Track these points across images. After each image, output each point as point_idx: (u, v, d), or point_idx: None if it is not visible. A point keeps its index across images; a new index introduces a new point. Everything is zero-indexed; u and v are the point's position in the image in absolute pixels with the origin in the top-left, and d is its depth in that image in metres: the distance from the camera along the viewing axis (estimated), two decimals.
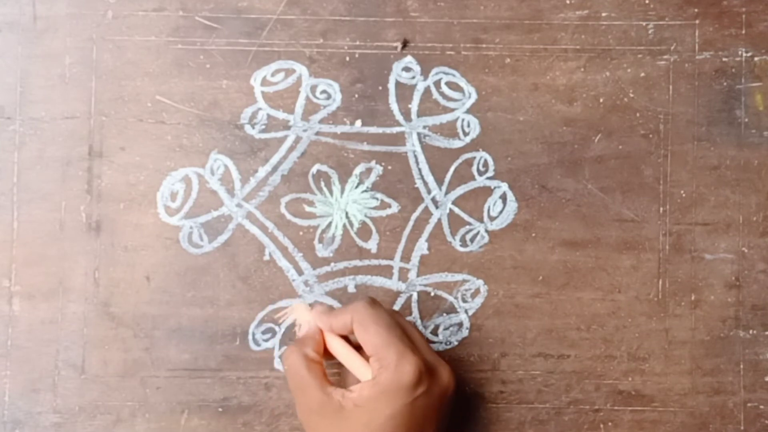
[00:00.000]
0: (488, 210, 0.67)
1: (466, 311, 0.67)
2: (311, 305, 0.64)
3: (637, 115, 0.67)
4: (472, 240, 0.67)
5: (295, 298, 0.67)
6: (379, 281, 0.67)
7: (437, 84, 0.67)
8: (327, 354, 0.62)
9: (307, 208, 0.67)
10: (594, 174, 0.67)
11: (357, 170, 0.67)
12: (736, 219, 0.67)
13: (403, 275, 0.67)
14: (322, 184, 0.67)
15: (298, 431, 0.66)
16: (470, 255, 0.67)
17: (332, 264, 0.67)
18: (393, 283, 0.67)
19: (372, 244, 0.67)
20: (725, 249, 0.67)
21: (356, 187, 0.67)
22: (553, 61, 0.67)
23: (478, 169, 0.67)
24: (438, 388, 0.58)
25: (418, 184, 0.67)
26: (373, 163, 0.67)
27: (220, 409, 0.66)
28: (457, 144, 0.67)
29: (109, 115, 0.67)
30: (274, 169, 0.67)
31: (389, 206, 0.67)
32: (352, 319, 0.59)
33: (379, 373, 0.58)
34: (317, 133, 0.67)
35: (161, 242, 0.66)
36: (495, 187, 0.67)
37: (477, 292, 0.67)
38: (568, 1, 0.68)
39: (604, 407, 0.67)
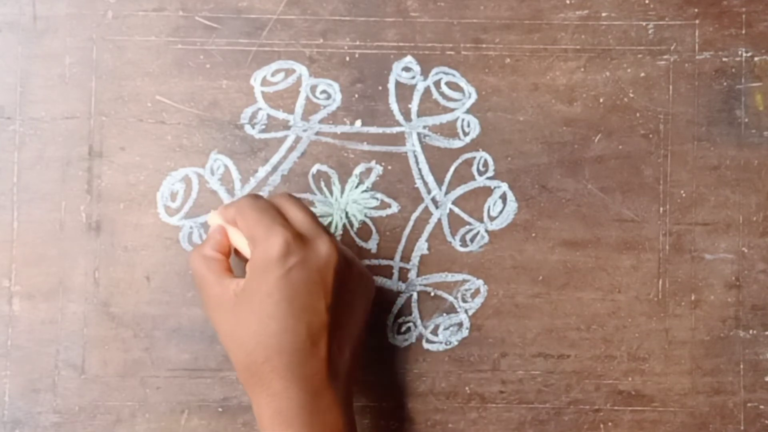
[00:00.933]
0: (488, 210, 0.67)
1: (466, 311, 0.67)
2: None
3: (637, 115, 0.67)
4: (472, 240, 0.67)
5: None
6: (379, 281, 0.67)
7: (437, 84, 0.67)
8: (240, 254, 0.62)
9: None
10: (594, 174, 0.67)
11: (357, 170, 0.67)
12: (736, 219, 0.67)
13: (403, 275, 0.67)
14: (322, 184, 0.67)
15: None
16: (470, 255, 0.67)
17: None
18: (393, 283, 0.67)
19: (372, 244, 0.67)
20: (725, 249, 0.67)
21: (356, 187, 0.67)
22: (553, 61, 0.67)
23: (478, 169, 0.67)
24: (315, 259, 0.57)
25: (418, 184, 0.67)
26: (373, 163, 0.67)
27: (220, 409, 0.66)
28: (457, 144, 0.67)
29: (109, 115, 0.67)
30: (274, 169, 0.67)
31: (389, 206, 0.67)
32: (235, 209, 0.60)
33: (252, 252, 0.58)
34: (317, 133, 0.67)
35: (161, 242, 0.66)
36: (495, 187, 0.67)
37: (477, 292, 0.67)
38: (568, 1, 0.68)
39: (604, 407, 0.67)
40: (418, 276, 0.67)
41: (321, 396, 0.57)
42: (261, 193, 0.66)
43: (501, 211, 0.67)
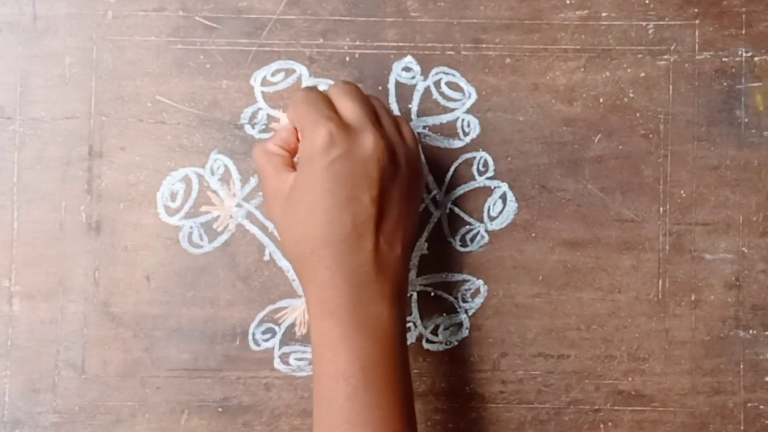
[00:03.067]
0: (488, 210, 0.67)
1: (466, 311, 0.67)
2: None
3: (637, 115, 0.67)
4: (472, 240, 0.67)
5: (295, 298, 0.67)
6: None
7: (437, 84, 0.67)
8: None
9: None
10: (594, 174, 0.67)
11: None
12: (736, 219, 0.67)
13: None
14: None
15: (298, 431, 0.66)
16: (470, 255, 0.67)
17: None
18: None
19: None
20: (725, 249, 0.67)
21: None
22: (553, 61, 0.67)
23: (478, 169, 0.67)
24: (359, 150, 0.57)
25: None
26: None
27: (220, 409, 0.66)
28: (457, 144, 0.67)
29: (109, 115, 0.67)
30: None
31: None
32: (291, 104, 0.60)
33: (300, 145, 0.59)
34: None
35: (161, 242, 0.66)
36: (495, 187, 0.67)
37: (477, 292, 0.67)
38: (568, 1, 0.68)
39: (604, 407, 0.67)
40: (418, 276, 0.67)
41: (366, 288, 0.57)
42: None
43: (501, 211, 0.67)
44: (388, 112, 0.62)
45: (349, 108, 0.59)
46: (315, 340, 0.58)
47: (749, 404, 0.67)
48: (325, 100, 0.59)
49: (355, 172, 0.57)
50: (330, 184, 0.57)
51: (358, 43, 0.67)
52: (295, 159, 0.61)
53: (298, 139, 0.61)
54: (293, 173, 0.59)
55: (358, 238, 0.57)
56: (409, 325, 0.67)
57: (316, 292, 0.58)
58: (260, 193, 0.67)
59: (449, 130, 0.67)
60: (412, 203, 0.61)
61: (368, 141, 0.58)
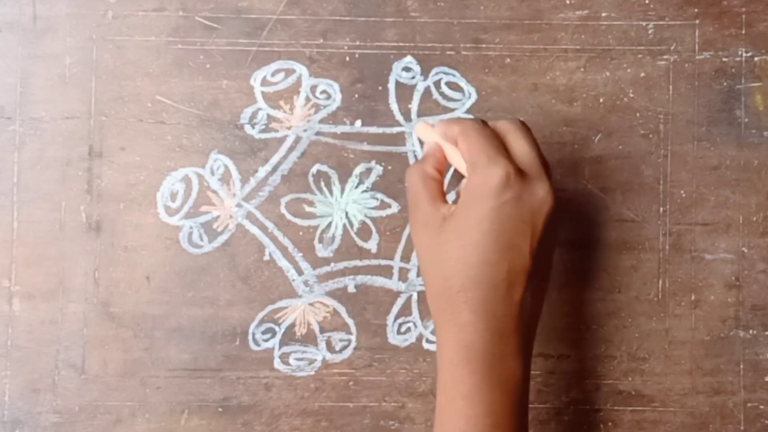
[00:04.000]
0: None
1: None
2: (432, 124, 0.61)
3: (637, 115, 0.67)
4: None
5: (295, 298, 0.67)
6: (379, 281, 0.67)
7: (437, 84, 0.67)
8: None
9: (307, 208, 0.67)
10: (594, 174, 0.67)
11: (357, 170, 0.67)
12: (736, 219, 0.67)
13: (403, 275, 0.67)
14: (322, 184, 0.67)
15: (298, 431, 0.66)
16: None
17: (332, 264, 0.67)
18: (393, 283, 0.67)
19: (372, 244, 0.67)
20: (725, 249, 0.67)
21: (356, 187, 0.67)
22: (553, 61, 0.67)
23: None
24: (530, 198, 0.55)
25: None
26: (373, 163, 0.67)
27: (220, 409, 0.66)
28: None
29: (109, 115, 0.67)
30: (274, 169, 0.67)
31: (389, 206, 0.67)
32: (459, 129, 0.58)
33: (469, 177, 0.56)
34: (317, 133, 0.67)
35: (161, 242, 0.67)
36: None
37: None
38: (568, 1, 0.68)
39: (604, 407, 0.67)
40: (418, 276, 0.67)
41: (507, 340, 0.55)
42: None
43: None
44: (548, 162, 0.60)
45: (525, 152, 0.57)
46: (446, 384, 0.56)
47: (749, 404, 0.67)
48: (499, 138, 0.57)
49: (521, 219, 0.55)
50: (495, 226, 0.55)
51: (358, 43, 0.67)
52: (455, 188, 0.59)
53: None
54: (447, 204, 0.57)
55: (509, 286, 0.55)
56: (409, 325, 0.67)
57: (457, 334, 0.55)
58: (260, 193, 0.67)
59: None
60: (552, 262, 0.59)
61: (541, 191, 0.56)
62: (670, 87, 0.67)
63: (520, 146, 0.57)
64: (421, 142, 0.66)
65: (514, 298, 0.55)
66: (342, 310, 0.67)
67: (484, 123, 0.58)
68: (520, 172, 0.56)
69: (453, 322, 0.55)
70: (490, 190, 0.55)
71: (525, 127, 0.58)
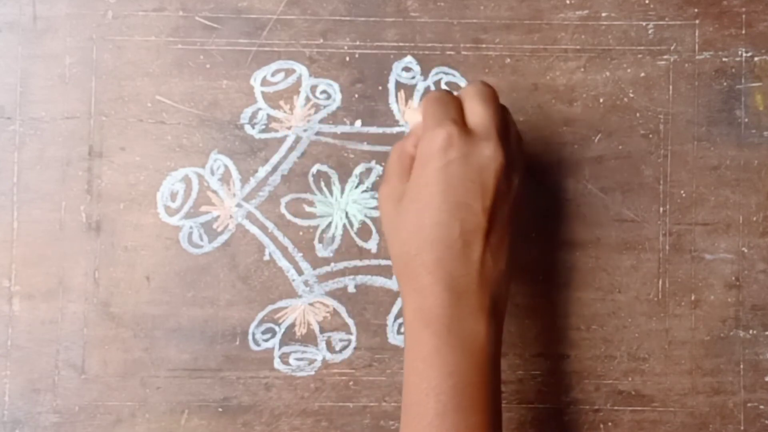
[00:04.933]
0: None
1: None
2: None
3: (637, 115, 0.67)
4: None
5: (295, 298, 0.67)
6: (379, 281, 0.67)
7: (437, 84, 0.67)
8: None
9: (307, 208, 0.67)
10: (594, 174, 0.67)
11: (357, 170, 0.67)
12: (736, 219, 0.67)
13: None
14: (322, 184, 0.67)
15: (298, 431, 0.66)
16: None
17: (332, 264, 0.67)
18: (393, 283, 0.67)
19: (372, 244, 0.67)
20: (725, 249, 0.67)
21: (356, 187, 0.67)
22: (553, 61, 0.67)
23: None
24: (477, 158, 0.56)
25: None
26: (373, 163, 0.67)
27: (220, 409, 0.66)
28: None
29: (109, 115, 0.67)
30: (274, 169, 0.67)
31: None
32: (423, 102, 0.59)
33: (420, 143, 0.57)
34: (317, 133, 0.67)
35: (161, 242, 0.66)
36: None
37: None
38: (568, 1, 0.68)
39: (604, 407, 0.67)
40: None
41: (466, 300, 0.55)
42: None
43: None
44: (514, 126, 0.60)
45: (477, 113, 0.57)
46: (408, 348, 0.56)
47: (749, 404, 0.67)
48: (455, 102, 0.58)
49: (467, 178, 0.56)
50: (442, 186, 0.55)
51: (358, 43, 0.67)
52: None
53: None
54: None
55: (464, 246, 0.55)
56: None
57: (415, 298, 0.56)
58: (260, 193, 0.67)
59: None
60: (517, 223, 0.59)
61: (488, 150, 0.56)
62: (670, 87, 0.67)
63: (473, 108, 0.58)
64: None
65: (472, 258, 0.55)
66: (342, 310, 0.67)
67: (445, 91, 0.59)
68: (467, 132, 0.56)
69: (412, 287, 0.56)
70: (435, 151, 0.56)
71: (486, 90, 0.59)
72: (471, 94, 0.58)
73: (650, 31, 0.67)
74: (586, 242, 0.67)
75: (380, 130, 0.67)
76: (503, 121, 0.58)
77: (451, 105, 0.58)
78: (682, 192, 0.67)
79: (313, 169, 0.67)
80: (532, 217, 0.67)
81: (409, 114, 0.61)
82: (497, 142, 0.56)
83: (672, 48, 0.67)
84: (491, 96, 0.58)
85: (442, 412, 0.54)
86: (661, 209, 0.67)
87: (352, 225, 0.67)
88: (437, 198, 0.56)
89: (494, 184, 0.56)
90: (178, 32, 0.67)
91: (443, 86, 0.67)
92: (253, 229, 0.67)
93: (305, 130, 0.67)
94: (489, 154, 0.56)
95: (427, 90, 0.67)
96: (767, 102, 0.67)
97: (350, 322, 0.67)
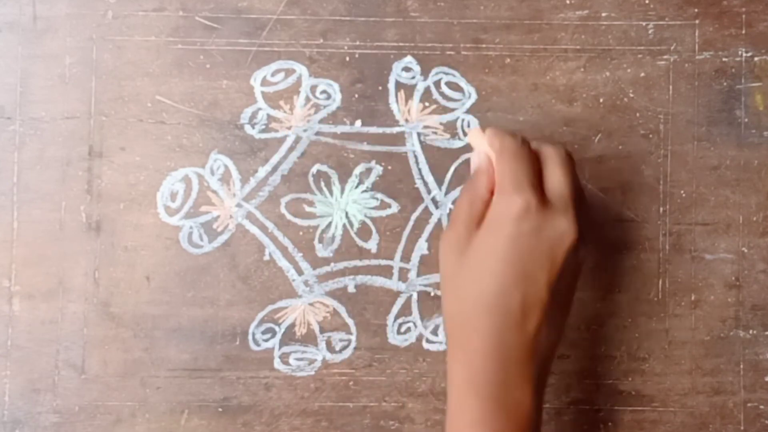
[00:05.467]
0: None
1: None
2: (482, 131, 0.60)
3: (637, 115, 0.67)
4: None
5: (295, 298, 0.67)
6: (379, 281, 0.67)
7: (437, 84, 0.67)
8: None
9: (307, 208, 0.67)
10: (594, 174, 0.67)
11: (357, 170, 0.67)
12: (736, 219, 0.67)
13: (403, 275, 0.67)
14: (322, 184, 0.67)
15: (298, 431, 0.66)
16: None
17: (332, 264, 0.67)
18: (393, 283, 0.67)
19: (372, 244, 0.67)
20: (725, 249, 0.67)
21: (356, 187, 0.67)
22: (553, 61, 0.67)
23: None
24: (551, 231, 0.55)
25: (418, 184, 0.67)
26: (373, 163, 0.67)
27: (220, 409, 0.66)
28: (457, 144, 0.67)
29: (109, 115, 0.67)
30: (274, 169, 0.67)
31: (389, 206, 0.67)
32: (498, 146, 0.57)
33: (494, 202, 0.56)
34: (317, 133, 0.67)
35: (161, 242, 0.66)
36: None
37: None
38: (568, 1, 0.68)
39: (604, 407, 0.67)
40: (418, 276, 0.67)
41: (516, 369, 0.55)
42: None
43: None
44: (584, 194, 0.60)
45: (557, 181, 0.57)
46: (452, 411, 0.56)
47: (749, 404, 0.67)
48: (534, 162, 0.57)
49: (539, 251, 0.55)
50: (511, 255, 0.55)
51: (358, 43, 0.67)
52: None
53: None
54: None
55: (523, 317, 0.55)
56: (409, 325, 0.67)
57: (463, 360, 0.55)
58: (260, 193, 0.67)
59: (449, 130, 0.67)
60: (573, 295, 0.59)
61: (563, 225, 0.56)
62: (670, 87, 0.67)
63: (554, 175, 0.57)
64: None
65: (528, 329, 0.55)
66: (342, 310, 0.67)
67: (525, 142, 0.58)
68: (544, 203, 0.56)
69: (463, 348, 0.55)
70: (510, 219, 0.55)
71: (567, 157, 0.58)
72: (553, 159, 0.57)
73: (650, 31, 0.67)
74: (586, 242, 0.67)
75: (380, 130, 0.67)
76: (579, 191, 0.58)
77: (530, 165, 0.57)
78: (682, 192, 0.67)
79: (313, 169, 0.67)
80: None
81: (475, 137, 0.59)
82: (573, 218, 0.56)
83: (672, 48, 0.67)
84: (571, 165, 0.58)
85: None
86: (661, 209, 0.67)
87: (352, 225, 0.67)
88: (503, 266, 0.55)
89: (563, 259, 0.56)
90: (178, 32, 0.67)
91: (443, 87, 0.67)
92: (253, 229, 0.67)
93: (305, 130, 0.67)
94: (564, 229, 0.56)
95: (426, 90, 0.67)
96: (767, 102, 0.67)
97: (350, 322, 0.67)
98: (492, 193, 0.58)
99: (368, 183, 0.67)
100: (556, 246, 0.56)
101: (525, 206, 0.55)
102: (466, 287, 0.56)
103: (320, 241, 0.67)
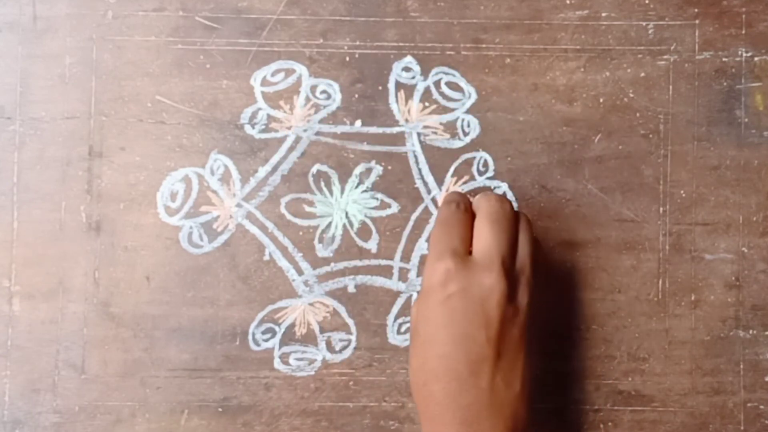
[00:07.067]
0: None
1: None
2: None
3: (637, 115, 0.67)
4: None
5: (295, 298, 0.67)
6: (379, 281, 0.67)
7: (437, 84, 0.67)
8: None
9: (307, 208, 0.67)
10: (594, 174, 0.67)
11: (357, 170, 0.67)
12: (736, 219, 0.67)
13: (403, 275, 0.67)
14: (322, 184, 0.67)
15: (298, 431, 0.66)
16: None
17: (332, 264, 0.67)
18: (393, 283, 0.67)
19: (372, 244, 0.67)
20: (725, 249, 0.67)
21: (356, 187, 0.67)
22: (553, 61, 0.67)
23: (478, 170, 0.67)
24: (477, 289, 0.56)
25: (418, 184, 0.67)
26: (373, 163, 0.67)
27: (220, 409, 0.66)
28: (457, 144, 0.67)
29: (109, 115, 0.67)
30: (274, 169, 0.67)
31: (389, 206, 0.67)
32: (436, 217, 0.60)
33: (423, 273, 0.58)
34: (317, 133, 0.67)
35: (161, 242, 0.66)
36: (495, 188, 0.67)
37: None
38: (568, 1, 0.68)
39: (604, 407, 0.67)
40: (418, 276, 0.67)
41: (478, 427, 0.55)
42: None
43: None
44: (530, 236, 0.60)
45: (483, 238, 0.58)
46: None
47: (749, 404, 0.67)
48: (464, 224, 0.58)
49: (470, 310, 0.56)
50: (444, 320, 0.56)
51: (358, 43, 0.67)
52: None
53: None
54: None
55: (471, 375, 0.56)
56: (408, 325, 0.67)
57: (428, 427, 0.56)
58: (260, 193, 0.67)
59: (449, 130, 0.67)
60: (533, 339, 0.59)
61: (488, 280, 0.56)
62: (670, 87, 0.67)
63: (480, 232, 0.58)
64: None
65: (480, 386, 0.56)
66: (342, 310, 0.67)
67: (461, 205, 0.59)
68: (465, 264, 0.57)
69: (425, 414, 0.57)
70: (435, 286, 0.57)
71: (498, 209, 0.58)
72: (482, 214, 0.58)
73: (650, 31, 0.67)
74: (586, 242, 0.67)
75: (380, 130, 0.67)
76: (511, 240, 0.58)
77: (456, 230, 0.58)
78: (682, 192, 0.67)
79: (313, 169, 0.67)
80: (531, 217, 0.67)
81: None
82: (499, 271, 0.57)
83: (672, 48, 0.67)
84: (501, 216, 0.58)
85: None
86: (661, 209, 0.67)
87: (352, 225, 0.67)
88: (441, 331, 0.56)
89: (498, 314, 0.56)
90: (178, 32, 0.67)
91: (443, 87, 0.67)
92: (253, 229, 0.67)
93: (305, 130, 0.67)
94: (489, 284, 0.56)
95: (426, 90, 0.67)
96: (767, 102, 0.67)
97: (350, 322, 0.67)
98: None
99: (368, 183, 0.67)
100: (486, 302, 0.56)
101: (445, 271, 0.56)
102: (416, 358, 0.57)
103: (320, 241, 0.67)
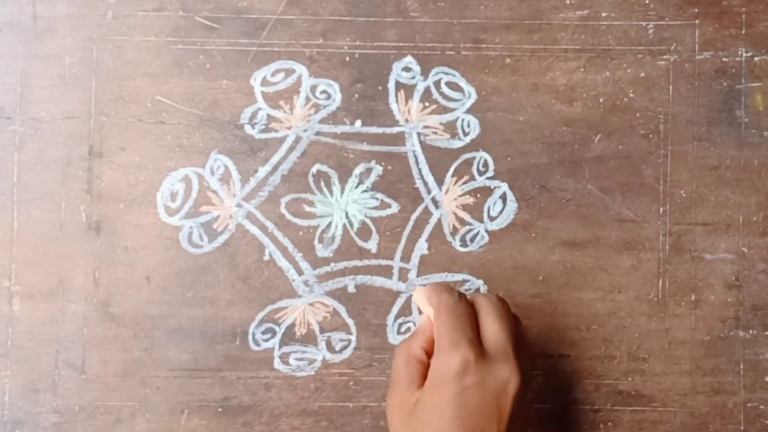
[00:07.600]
0: (488, 210, 0.67)
1: None
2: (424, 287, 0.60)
3: (637, 115, 0.67)
4: (472, 240, 0.67)
5: (295, 298, 0.67)
6: (379, 281, 0.67)
7: (437, 84, 0.67)
8: None
9: (307, 208, 0.67)
10: (594, 174, 0.67)
11: (357, 170, 0.67)
12: (736, 219, 0.67)
13: (403, 275, 0.67)
14: (322, 184, 0.67)
15: (298, 431, 0.66)
16: (470, 255, 0.67)
17: (332, 264, 0.67)
18: (393, 283, 0.67)
19: (372, 244, 0.67)
20: (725, 249, 0.67)
21: (356, 187, 0.67)
22: (553, 61, 0.67)
23: (478, 169, 0.67)
24: (494, 382, 0.55)
25: (418, 184, 0.67)
26: (373, 163, 0.67)
27: (220, 409, 0.66)
28: (457, 144, 0.67)
29: (109, 115, 0.67)
30: (274, 169, 0.67)
31: (389, 206, 0.67)
32: (435, 304, 0.58)
33: (433, 361, 0.56)
34: (317, 133, 0.67)
35: (161, 242, 0.67)
36: (495, 187, 0.67)
37: (477, 291, 0.67)
38: (568, 1, 0.68)
39: (604, 407, 0.67)
40: (418, 276, 0.67)
41: None
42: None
43: (501, 211, 0.67)
44: (525, 335, 0.60)
45: (494, 332, 0.57)
46: None
47: (749, 404, 0.67)
48: (470, 316, 0.57)
49: (485, 403, 0.55)
50: (458, 412, 0.55)
51: (358, 43, 0.67)
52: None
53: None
54: (420, 390, 0.57)
55: None
56: (409, 325, 0.67)
57: None
58: (260, 193, 0.67)
59: (449, 130, 0.67)
60: (531, 426, 0.58)
61: (505, 374, 0.56)
62: (670, 87, 0.67)
63: (490, 325, 0.57)
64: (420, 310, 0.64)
65: None
66: (342, 310, 0.67)
67: (462, 297, 0.58)
68: (483, 356, 0.56)
69: None
70: (450, 377, 0.55)
71: (500, 304, 0.58)
72: (487, 309, 0.58)
73: (650, 31, 0.67)
74: (586, 242, 0.67)
75: (380, 130, 0.67)
76: (517, 335, 0.58)
77: (467, 320, 0.57)
78: (682, 192, 0.67)
79: (313, 169, 0.67)
80: (531, 217, 0.67)
81: (418, 296, 0.60)
82: (514, 364, 0.56)
83: (672, 48, 0.67)
84: (506, 312, 0.58)
85: None
86: (661, 209, 0.67)
87: (352, 225, 0.67)
88: (453, 424, 0.55)
89: (510, 407, 0.56)
90: (178, 32, 0.67)
91: (443, 87, 0.67)
92: (253, 229, 0.67)
93: (305, 130, 0.67)
94: (506, 377, 0.56)
95: (426, 90, 0.67)
96: (767, 102, 0.67)
97: (350, 322, 0.67)
98: (428, 352, 0.58)
99: (368, 183, 0.67)
100: (500, 396, 0.56)
101: (463, 362, 0.55)
102: None
103: (320, 241, 0.67)
